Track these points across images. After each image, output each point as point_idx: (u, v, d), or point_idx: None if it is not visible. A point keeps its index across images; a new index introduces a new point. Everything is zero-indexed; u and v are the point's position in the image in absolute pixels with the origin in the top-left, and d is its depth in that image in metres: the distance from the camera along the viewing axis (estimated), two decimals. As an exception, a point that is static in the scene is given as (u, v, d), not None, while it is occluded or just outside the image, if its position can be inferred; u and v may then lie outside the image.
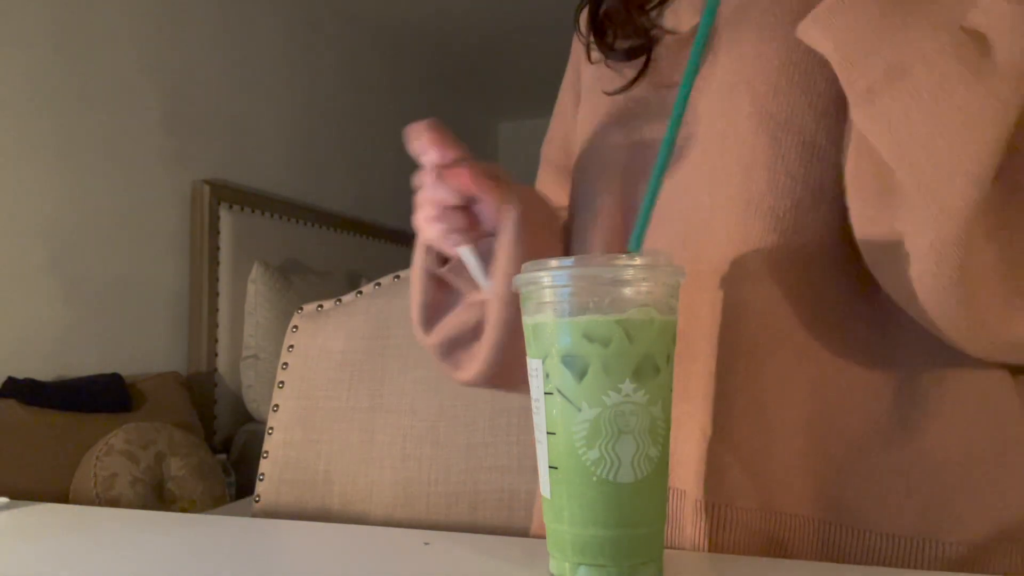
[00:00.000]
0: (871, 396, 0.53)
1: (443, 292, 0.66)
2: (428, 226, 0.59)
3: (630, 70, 0.64)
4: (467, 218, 0.58)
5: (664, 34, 0.63)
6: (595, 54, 0.69)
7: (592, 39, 0.69)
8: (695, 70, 0.46)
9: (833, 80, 0.52)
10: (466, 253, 0.59)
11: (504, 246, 0.58)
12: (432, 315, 0.66)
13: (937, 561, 0.51)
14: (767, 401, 0.54)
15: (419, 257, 0.65)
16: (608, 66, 0.67)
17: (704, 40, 0.46)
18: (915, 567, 0.52)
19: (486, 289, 0.60)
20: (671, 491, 0.57)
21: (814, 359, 0.53)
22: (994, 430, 0.53)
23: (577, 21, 0.72)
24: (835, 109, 0.53)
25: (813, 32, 0.47)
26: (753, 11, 0.57)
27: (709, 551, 0.54)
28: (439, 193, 0.57)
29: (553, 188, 0.76)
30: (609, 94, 0.65)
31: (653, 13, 0.65)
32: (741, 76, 0.56)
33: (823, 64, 0.50)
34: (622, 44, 0.65)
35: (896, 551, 0.52)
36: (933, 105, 0.41)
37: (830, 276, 0.53)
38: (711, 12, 0.47)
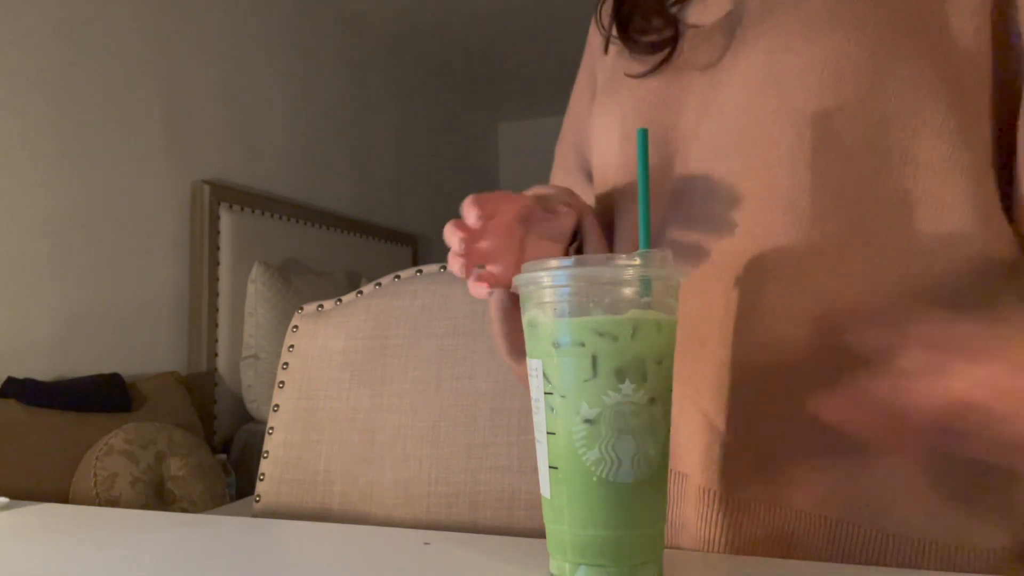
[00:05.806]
0: None
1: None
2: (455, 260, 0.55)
3: (650, 59, 0.64)
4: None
5: (688, 28, 0.63)
6: (612, 47, 0.69)
7: (615, 32, 0.68)
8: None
9: (860, 79, 0.52)
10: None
11: (592, 245, 0.62)
12: (516, 340, 0.64)
13: (947, 564, 0.51)
14: (777, 394, 0.54)
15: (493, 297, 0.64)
16: (626, 56, 0.67)
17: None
18: (926, 568, 0.51)
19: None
20: (673, 473, 0.57)
21: (829, 354, 0.53)
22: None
23: (599, 13, 0.72)
24: (862, 109, 0.52)
25: None
26: (779, 6, 0.57)
27: (710, 537, 0.54)
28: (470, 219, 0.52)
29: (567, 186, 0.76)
30: (631, 76, 0.65)
31: (675, 8, 0.65)
32: (768, 70, 0.55)
33: (852, 61, 0.51)
34: (646, 37, 0.65)
35: (908, 553, 0.51)
36: None
37: (847, 273, 0.53)
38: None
